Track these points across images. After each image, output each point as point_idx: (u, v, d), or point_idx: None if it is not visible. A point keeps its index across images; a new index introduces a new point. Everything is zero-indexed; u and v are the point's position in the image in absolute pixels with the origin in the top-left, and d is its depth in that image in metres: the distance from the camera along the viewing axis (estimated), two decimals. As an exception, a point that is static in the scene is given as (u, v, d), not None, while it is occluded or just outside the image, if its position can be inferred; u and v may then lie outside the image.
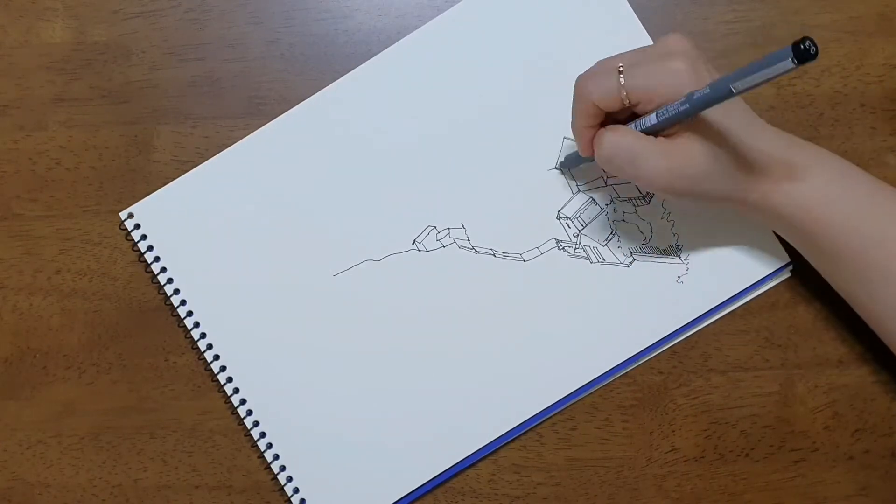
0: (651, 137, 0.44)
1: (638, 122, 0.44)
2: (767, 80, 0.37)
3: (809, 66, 0.38)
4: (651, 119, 0.43)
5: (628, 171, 0.44)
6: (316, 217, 0.53)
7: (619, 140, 0.44)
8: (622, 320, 0.52)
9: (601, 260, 0.52)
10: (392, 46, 0.53)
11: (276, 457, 0.52)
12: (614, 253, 0.52)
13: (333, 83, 0.53)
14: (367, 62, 0.53)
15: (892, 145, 0.52)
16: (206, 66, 0.54)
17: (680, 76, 0.42)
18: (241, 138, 0.53)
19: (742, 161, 0.43)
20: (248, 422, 0.52)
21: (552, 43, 0.53)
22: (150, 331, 0.53)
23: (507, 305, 0.52)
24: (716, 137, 0.43)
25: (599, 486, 0.52)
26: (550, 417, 0.52)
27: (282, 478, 0.52)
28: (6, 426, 0.54)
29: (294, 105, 0.53)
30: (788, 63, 0.35)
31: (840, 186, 0.44)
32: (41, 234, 0.54)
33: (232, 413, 0.53)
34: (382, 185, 0.53)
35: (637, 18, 0.52)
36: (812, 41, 0.35)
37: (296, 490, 0.52)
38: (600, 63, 0.45)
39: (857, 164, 0.52)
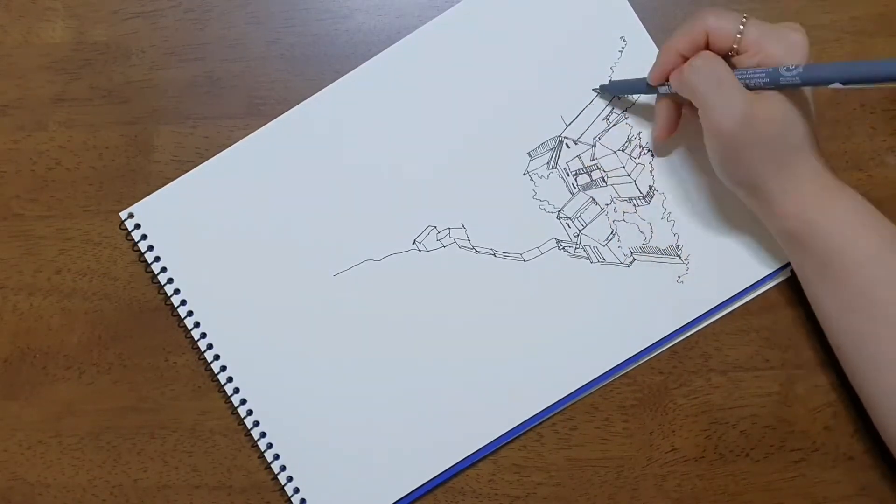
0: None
1: (740, 72, 0.44)
2: (873, 84, 0.38)
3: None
4: (759, 73, 0.43)
5: (707, 94, 0.44)
6: (316, 217, 0.53)
7: (717, 62, 0.44)
8: (622, 320, 0.52)
9: (601, 260, 0.52)
10: (392, 46, 0.53)
11: (277, 457, 0.52)
12: (614, 253, 0.52)
13: (333, 83, 0.53)
14: (366, 62, 0.53)
15: (892, 145, 0.52)
16: (206, 66, 0.54)
17: (795, 48, 0.43)
18: (241, 138, 0.53)
19: (801, 152, 0.44)
20: (249, 422, 0.52)
21: (552, 43, 0.53)
22: (150, 331, 0.53)
23: (507, 305, 0.52)
24: (795, 116, 0.44)
25: (599, 486, 0.52)
26: (550, 417, 0.52)
27: (282, 478, 0.52)
28: (6, 426, 0.54)
29: (294, 105, 0.53)
30: None
31: (862, 221, 0.45)
32: (41, 234, 0.54)
33: (232, 413, 0.53)
34: (382, 185, 0.53)
35: (637, 18, 0.52)
36: None
37: (296, 490, 0.52)
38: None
39: (857, 165, 0.52)
